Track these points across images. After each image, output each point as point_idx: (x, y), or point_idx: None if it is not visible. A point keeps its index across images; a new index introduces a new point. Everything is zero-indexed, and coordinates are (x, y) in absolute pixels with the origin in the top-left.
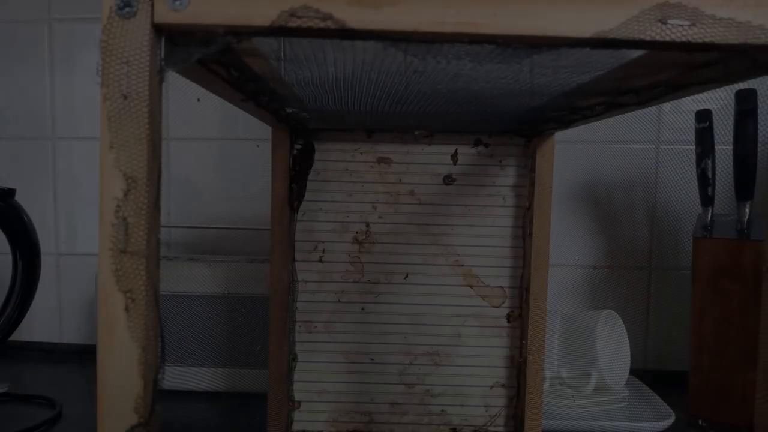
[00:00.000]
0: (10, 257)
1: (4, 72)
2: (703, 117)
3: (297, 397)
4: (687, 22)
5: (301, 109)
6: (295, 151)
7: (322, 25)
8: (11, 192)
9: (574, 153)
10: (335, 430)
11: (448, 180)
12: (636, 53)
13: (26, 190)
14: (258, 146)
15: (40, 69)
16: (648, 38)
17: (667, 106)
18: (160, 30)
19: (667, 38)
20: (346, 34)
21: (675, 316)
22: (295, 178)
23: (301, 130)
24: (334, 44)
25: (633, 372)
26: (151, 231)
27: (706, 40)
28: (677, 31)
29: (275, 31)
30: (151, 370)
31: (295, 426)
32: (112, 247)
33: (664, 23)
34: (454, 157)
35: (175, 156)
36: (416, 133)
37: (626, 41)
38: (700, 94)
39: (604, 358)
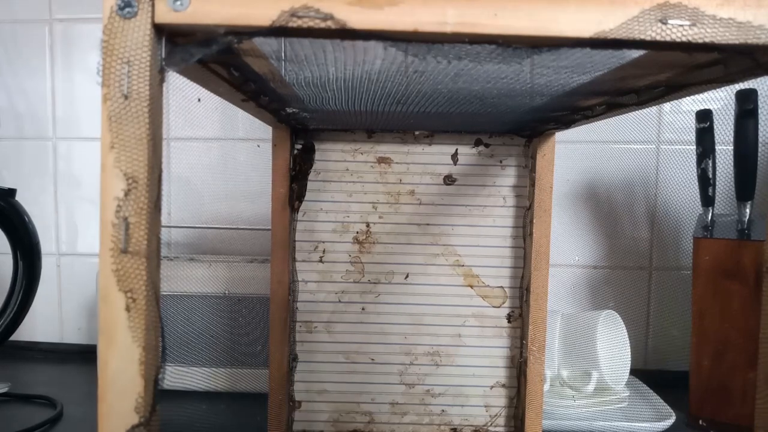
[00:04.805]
0: (10, 257)
1: (4, 72)
2: (704, 117)
3: (297, 397)
4: (687, 22)
5: (301, 109)
6: (295, 151)
7: (322, 25)
8: (12, 192)
9: (574, 153)
10: (336, 430)
11: (449, 180)
12: (636, 53)
13: (27, 190)
14: (259, 146)
15: (40, 69)
16: (648, 38)
17: (667, 107)
18: (160, 30)
19: (668, 38)
20: (346, 34)
21: (675, 316)
22: (295, 178)
23: (302, 130)
24: (335, 44)
25: (633, 372)
26: (151, 231)
27: (707, 40)
28: (678, 31)
29: (276, 31)
30: (151, 369)
31: (296, 426)
32: (113, 247)
33: (665, 23)
34: (454, 157)
35: (175, 156)
36: (416, 133)
37: (627, 41)
38: (701, 95)
39: (605, 359)
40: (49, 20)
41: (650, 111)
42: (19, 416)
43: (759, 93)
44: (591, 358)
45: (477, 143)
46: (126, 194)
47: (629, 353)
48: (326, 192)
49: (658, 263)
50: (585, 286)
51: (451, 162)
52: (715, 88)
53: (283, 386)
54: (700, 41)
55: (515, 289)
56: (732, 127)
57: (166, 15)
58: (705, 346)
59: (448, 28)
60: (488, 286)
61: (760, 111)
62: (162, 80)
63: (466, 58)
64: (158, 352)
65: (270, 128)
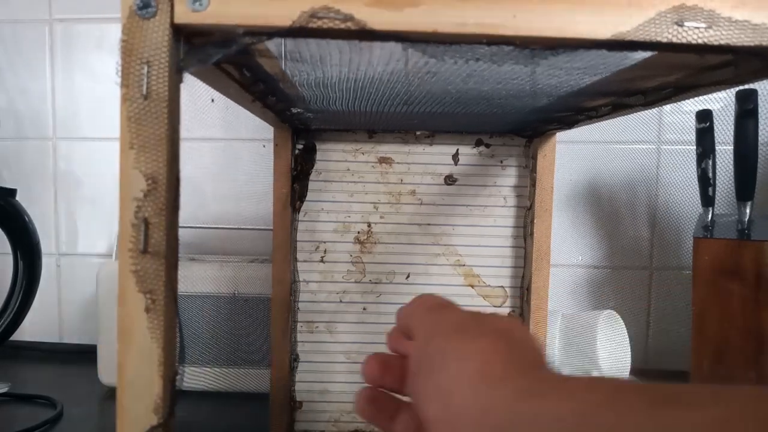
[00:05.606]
0: (10, 257)
1: (4, 72)
2: (704, 117)
3: (299, 397)
4: (703, 25)
5: (305, 109)
6: (297, 151)
7: (342, 26)
8: (12, 192)
9: (575, 153)
10: (337, 430)
11: (450, 180)
12: (649, 54)
13: (27, 190)
14: (264, 146)
15: (41, 69)
16: (665, 40)
17: (668, 107)
18: (179, 30)
19: (683, 40)
20: (366, 35)
21: (676, 316)
22: (297, 178)
23: (303, 130)
24: (351, 45)
25: (634, 372)
26: (170, 231)
27: (722, 42)
28: (693, 33)
29: (295, 31)
30: (170, 370)
31: (297, 426)
32: (132, 248)
33: (681, 25)
34: (455, 157)
35: (180, 156)
36: (417, 133)
37: (643, 43)
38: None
39: (605, 358)
40: (49, 20)
41: (651, 111)
42: (19, 416)
43: (759, 93)
44: (591, 358)
45: (478, 143)
46: (145, 195)
47: (629, 353)
48: (327, 192)
49: (659, 263)
50: (585, 286)
51: (452, 162)
52: (723, 90)
53: (285, 386)
54: (716, 43)
55: (516, 289)
56: (732, 127)
57: (185, 15)
58: (705, 346)
59: (467, 29)
60: (489, 285)
61: (760, 111)
62: (180, 80)
63: (483, 59)
64: (176, 352)
65: (272, 128)
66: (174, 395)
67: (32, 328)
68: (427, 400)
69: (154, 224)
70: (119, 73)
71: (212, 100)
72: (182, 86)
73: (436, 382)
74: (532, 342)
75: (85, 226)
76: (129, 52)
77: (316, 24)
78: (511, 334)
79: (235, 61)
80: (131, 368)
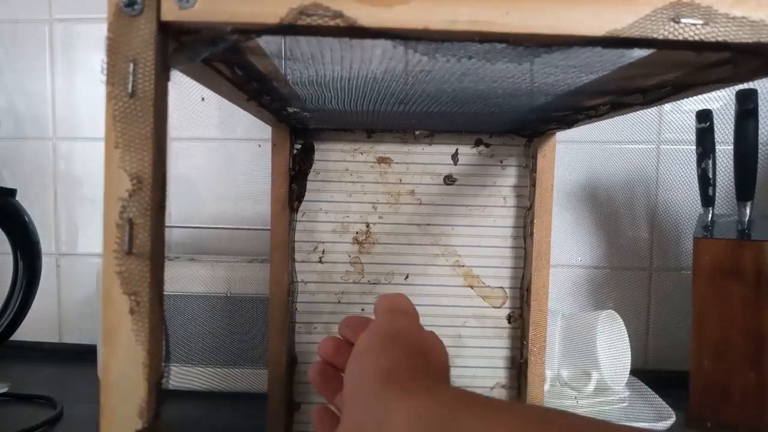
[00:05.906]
0: (10, 257)
1: (4, 72)
2: (704, 117)
3: (296, 398)
4: (700, 21)
5: (302, 108)
6: (295, 151)
7: (332, 23)
8: (12, 192)
9: (575, 153)
10: None
11: (449, 180)
12: (647, 52)
13: (27, 190)
14: (260, 146)
15: (40, 69)
16: (661, 37)
17: (668, 106)
18: (166, 28)
19: (680, 37)
20: (356, 32)
21: (675, 316)
22: (295, 178)
23: (302, 129)
24: (342, 43)
25: (633, 372)
26: (156, 232)
27: (719, 39)
28: (690, 30)
29: (284, 29)
30: (155, 373)
31: (295, 428)
32: (117, 249)
33: (677, 22)
34: (454, 157)
35: (176, 156)
36: (416, 133)
37: (639, 40)
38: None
39: (605, 359)
40: (49, 20)
41: (651, 111)
42: (19, 416)
43: (759, 93)
44: (591, 358)
45: (477, 143)
46: (130, 195)
47: (629, 353)
48: (326, 192)
49: (659, 263)
50: (585, 286)
51: (452, 162)
52: (723, 88)
53: (283, 387)
54: (713, 40)
55: (515, 290)
56: (732, 127)
57: (172, 13)
58: (705, 346)
59: (459, 26)
60: (488, 286)
61: (760, 111)
62: (167, 79)
63: (475, 56)
64: (162, 355)
65: (269, 128)
66: (160, 398)
67: (32, 328)
68: (346, 384)
69: (139, 225)
70: (104, 71)
71: (202, 99)
72: (176, 86)
73: (355, 371)
74: (444, 359)
75: (85, 226)
76: (115, 49)
77: (305, 21)
78: (430, 350)
79: (225, 59)
80: (116, 370)
